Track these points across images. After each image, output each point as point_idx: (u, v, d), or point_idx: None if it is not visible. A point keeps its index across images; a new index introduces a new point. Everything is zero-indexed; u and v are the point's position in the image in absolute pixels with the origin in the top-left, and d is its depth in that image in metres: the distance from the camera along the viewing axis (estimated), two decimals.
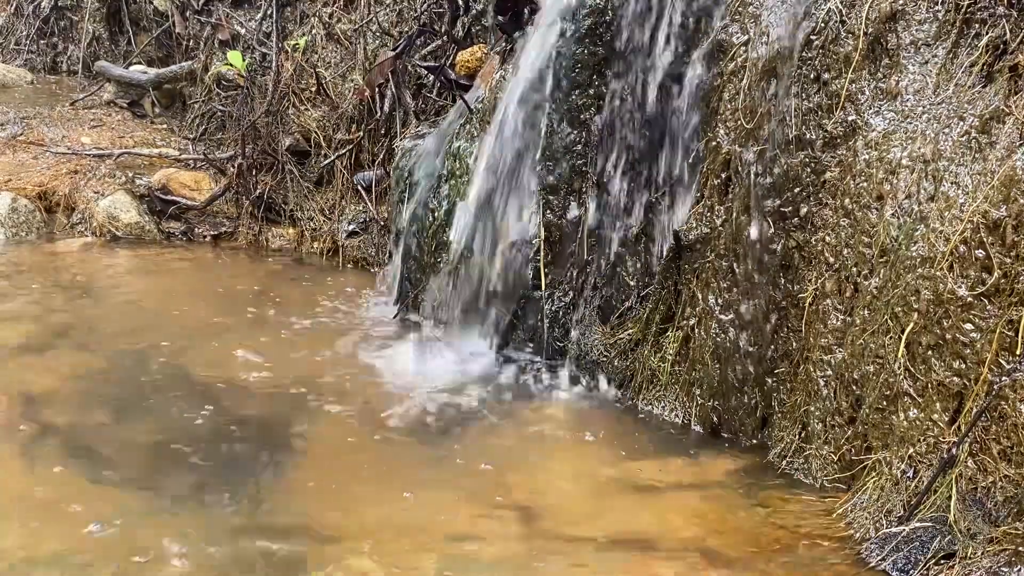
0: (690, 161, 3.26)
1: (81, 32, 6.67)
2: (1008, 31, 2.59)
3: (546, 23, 3.51)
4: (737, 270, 3.05)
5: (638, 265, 3.44)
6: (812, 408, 2.86)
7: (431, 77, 4.54)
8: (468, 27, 4.47)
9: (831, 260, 2.83)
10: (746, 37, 3.03)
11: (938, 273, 2.53)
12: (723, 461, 3.00)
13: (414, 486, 2.79)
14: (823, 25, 2.85)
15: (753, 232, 2.98)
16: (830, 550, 2.52)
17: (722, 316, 3.09)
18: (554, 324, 3.57)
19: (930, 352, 2.55)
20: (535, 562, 2.48)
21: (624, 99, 3.40)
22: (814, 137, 2.87)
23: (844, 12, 2.84)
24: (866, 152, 2.77)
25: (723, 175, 3.09)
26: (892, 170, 2.70)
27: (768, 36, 2.95)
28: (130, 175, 4.85)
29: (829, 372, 2.82)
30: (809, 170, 2.88)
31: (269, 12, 4.99)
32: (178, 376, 3.34)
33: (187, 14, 6.03)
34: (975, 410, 2.44)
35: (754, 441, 3.05)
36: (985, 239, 2.46)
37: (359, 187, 4.64)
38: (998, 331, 2.42)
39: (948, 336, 2.51)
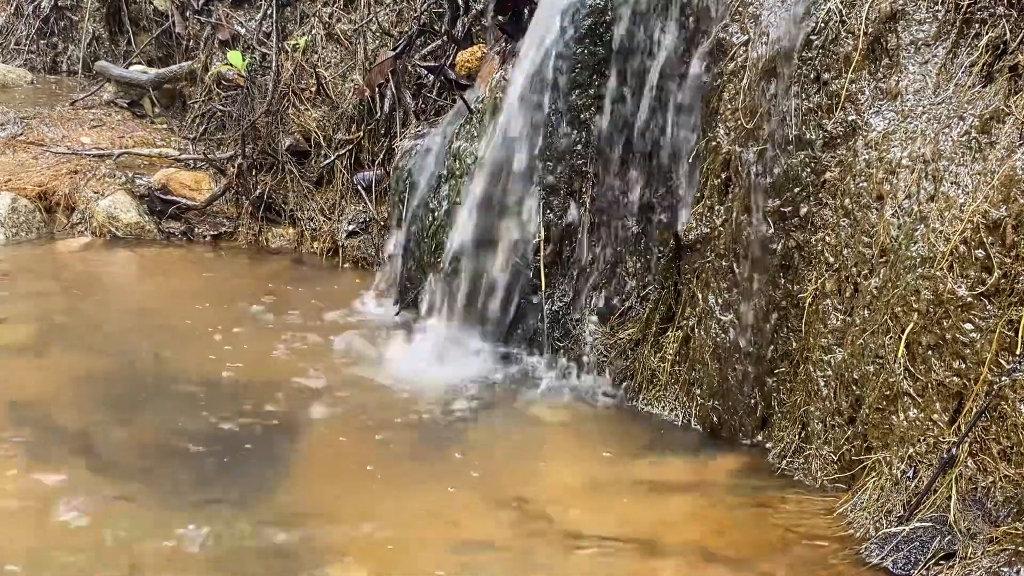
0: (690, 161, 3.26)
1: (81, 32, 6.67)
2: (1008, 31, 2.59)
3: (546, 23, 3.51)
4: (737, 270, 3.05)
5: (638, 265, 3.45)
6: (812, 408, 2.86)
7: (431, 77, 4.54)
8: (468, 27, 4.47)
9: (831, 260, 2.83)
10: (746, 37, 3.03)
11: (938, 273, 2.53)
12: (723, 461, 2.99)
13: (413, 486, 2.79)
14: (823, 25, 2.85)
15: (753, 232, 2.98)
16: (830, 550, 2.52)
17: (722, 316, 3.09)
18: (554, 324, 3.57)
19: (930, 352, 2.55)
20: (535, 562, 2.48)
21: (624, 99, 3.40)
22: (814, 137, 2.87)
23: (844, 12, 2.84)
24: (866, 152, 2.77)
25: (723, 175, 3.09)
26: (892, 170, 2.70)
27: (768, 36, 2.95)
28: (130, 175, 4.85)
29: (829, 372, 2.82)
30: (809, 170, 2.88)
31: (269, 12, 4.98)
32: (178, 376, 3.34)
33: (187, 14, 6.03)
34: (975, 410, 2.44)
35: (754, 441, 3.05)
36: (985, 239, 2.46)
37: (359, 187, 4.64)
38: (998, 331, 2.42)
39: (948, 336, 2.51)
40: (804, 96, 2.88)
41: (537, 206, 3.53)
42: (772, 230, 2.95)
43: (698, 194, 3.20)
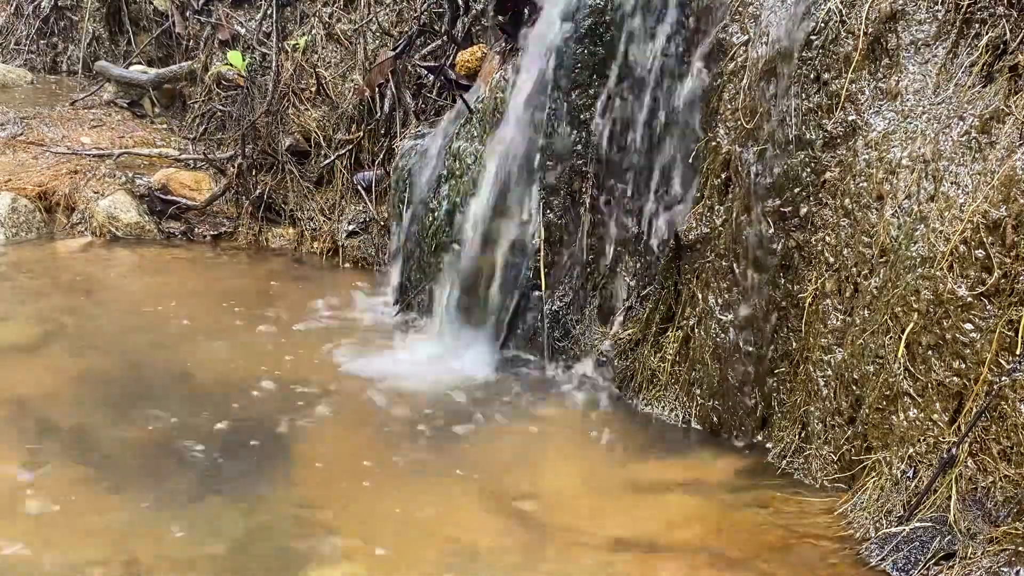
0: (690, 161, 3.26)
1: (81, 32, 6.67)
2: (1008, 31, 2.59)
3: (546, 23, 3.51)
4: (737, 270, 3.04)
5: (638, 265, 3.44)
6: (812, 408, 2.86)
7: (431, 77, 4.54)
8: (468, 27, 4.47)
9: (831, 260, 2.83)
10: (746, 37, 3.03)
11: (938, 273, 2.53)
12: (723, 461, 2.99)
13: (413, 485, 2.79)
14: (823, 25, 2.85)
15: (753, 232, 2.98)
16: (830, 550, 2.52)
17: (722, 316, 3.09)
18: (554, 324, 3.57)
19: (930, 352, 2.55)
20: (535, 562, 2.48)
21: (624, 99, 3.40)
22: (814, 137, 2.87)
23: (844, 12, 2.84)
24: (866, 152, 2.77)
25: (723, 175, 3.09)
26: (892, 170, 2.70)
27: (768, 36, 2.95)
28: (130, 175, 4.85)
29: (829, 372, 2.82)
30: (809, 170, 2.88)
31: (269, 12, 4.99)
32: (178, 376, 3.34)
33: (187, 14, 6.03)
34: (975, 410, 2.44)
35: (754, 441, 3.05)
36: (985, 239, 2.46)
37: (359, 187, 4.64)
38: (998, 331, 2.42)
39: (948, 336, 2.51)
40: (804, 96, 2.88)
41: (537, 206, 3.53)
42: (772, 230, 2.95)
43: (698, 194, 3.20)
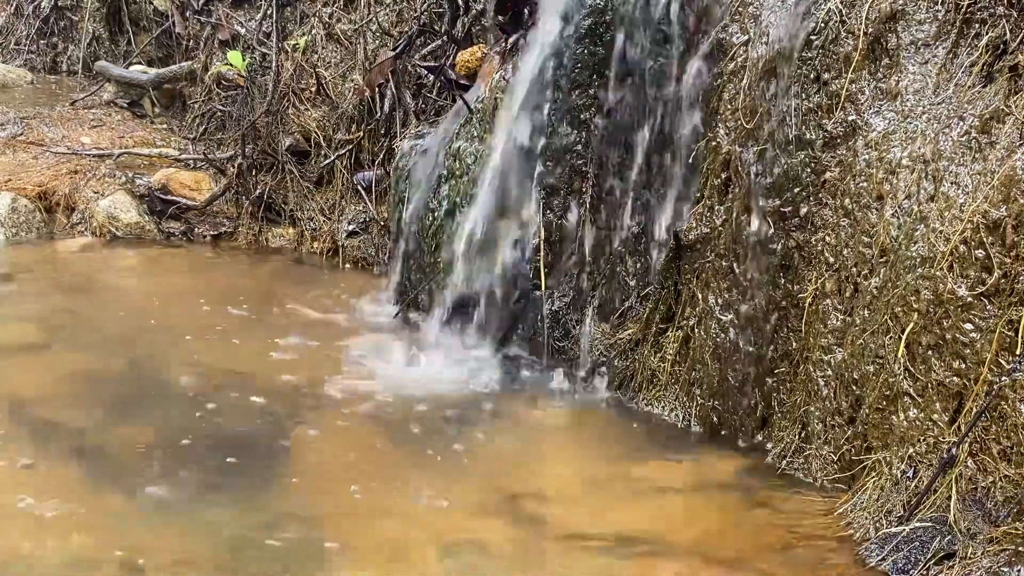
0: (690, 161, 3.26)
1: (81, 32, 6.67)
2: (1008, 31, 2.59)
3: (546, 23, 3.51)
4: (737, 270, 3.04)
5: (638, 265, 3.44)
6: (812, 408, 2.86)
7: (431, 77, 4.54)
8: (468, 27, 4.47)
9: (831, 260, 2.83)
10: (746, 37, 3.03)
11: (938, 273, 2.53)
12: (723, 461, 2.99)
13: (413, 487, 2.79)
14: (823, 25, 2.85)
15: (753, 232, 2.98)
16: (830, 550, 2.52)
17: (722, 316, 3.09)
18: (554, 324, 3.57)
19: (930, 352, 2.55)
20: (535, 562, 2.48)
21: (624, 99, 3.40)
22: (814, 137, 2.87)
23: (844, 12, 2.84)
24: (866, 152, 2.77)
25: (723, 175, 3.09)
26: (892, 170, 2.70)
27: (768, 36, 2.95)
28: (130, 175, 4.85)
29: (829, 372, 2.82)
30: (809, 170, 2.88)
31: (269, 12, 4.99)
32: (177, 376, 3.34)
33: (187, 14, 6.03)
34: (975, 410, 2.44)
35: (754, 441, 3.05)
36: (985, 239, 2.46)
37: (359, 187, 4.64)
38: (998, 331, 2.42)
39: (948, 336, 2.51)
40: (804, 96, 2.88)
41: (537, 206, 3.53)
42: (772, 230, 2.95)
43: (698, 194, 3.20)
